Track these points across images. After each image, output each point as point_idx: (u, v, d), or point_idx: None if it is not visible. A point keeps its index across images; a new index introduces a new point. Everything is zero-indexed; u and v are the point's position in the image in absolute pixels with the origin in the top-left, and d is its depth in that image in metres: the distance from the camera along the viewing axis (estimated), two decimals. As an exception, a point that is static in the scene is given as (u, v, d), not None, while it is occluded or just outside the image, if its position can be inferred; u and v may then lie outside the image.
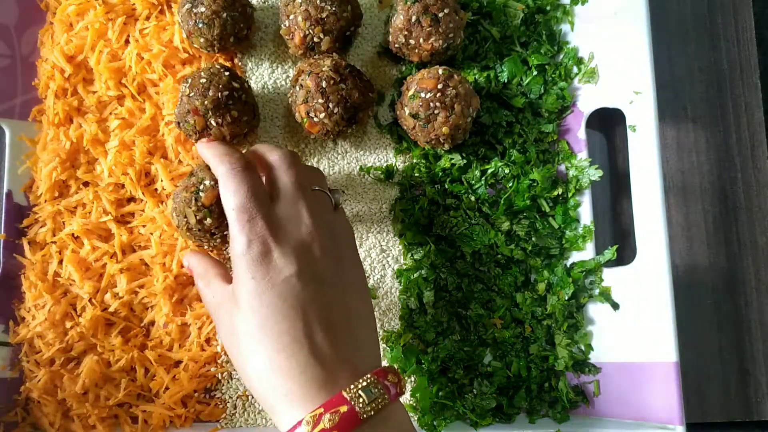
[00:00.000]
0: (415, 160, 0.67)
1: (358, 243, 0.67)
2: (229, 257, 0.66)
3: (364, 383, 0.45)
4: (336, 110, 0.60)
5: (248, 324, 0.47)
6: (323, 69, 0.60)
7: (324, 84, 0.60)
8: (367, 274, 0.66)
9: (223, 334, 0.51)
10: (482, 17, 0.70)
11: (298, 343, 0.46)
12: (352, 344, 0.48)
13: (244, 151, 0.57)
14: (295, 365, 0.45)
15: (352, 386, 0.44)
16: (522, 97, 0.68)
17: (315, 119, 0.61)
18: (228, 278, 0.53)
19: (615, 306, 0.64)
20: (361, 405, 0.43)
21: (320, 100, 0.60)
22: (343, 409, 0.43)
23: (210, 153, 0.55)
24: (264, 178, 0.54)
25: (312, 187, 0.53)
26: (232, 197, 0.50)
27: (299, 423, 0.43)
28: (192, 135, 0.62)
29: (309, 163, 0.68)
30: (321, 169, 0.65)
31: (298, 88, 0.62)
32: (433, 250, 0.65)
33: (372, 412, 0.43)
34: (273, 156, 0.53)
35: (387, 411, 0.45)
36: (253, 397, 0.64)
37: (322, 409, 0.43)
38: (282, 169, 0.52)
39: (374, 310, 0.65)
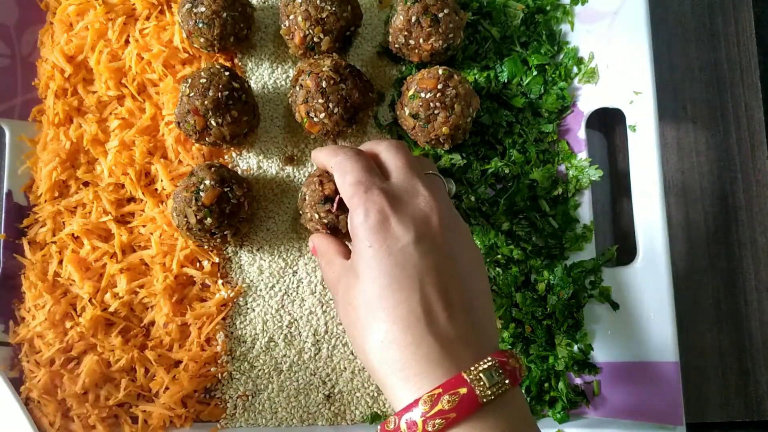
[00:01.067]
0: (415, 160, 0.68)
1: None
2: (230, 257, 0.66)
3: (485, 366, 0.42)
4: (336, 110, 0.60)
5: (365, 294, 0.46)
6: (323, 69, 0.60)
7: (324, 84, 0.60)
8: (367, 274, 0.66)
9: (340, 310, 0.49)
10: (482, 17, 0.70)
11: (415, 315, 0.44)
12: (471, 321, 0.46)
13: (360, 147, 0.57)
14: (411, 339, 0.43)
15: (472, 368, 0.42)
16: (522, 97, 0.68)
17: (315, 119, 0.61)
18: (349, 255, 0.52)
19: (615, 306, 0.64)
20: (481, 388, 0.41)
21: (320, 100, 0.60)
22: (463, 390, 0.41)
23: (323, 153, 0.55)
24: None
25: (425, 171, 0.53)
26: (349, 175, 0.50)
27: (416, 402, 0.41)
28: (192, 135, 0.62)
29: (309, 163, 0.68)
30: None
31: (298, 88, 0.62)
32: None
33: (492, 397, 0.41)
34: (383, 143, 0.54)
35: (507, 396, 0.42)
36: (253, 397, 0.64)
37: (440, 390, 0.41)
38: (391, 153, 0.52)
39: None
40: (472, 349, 0.44)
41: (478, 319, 0.47)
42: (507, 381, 0.42)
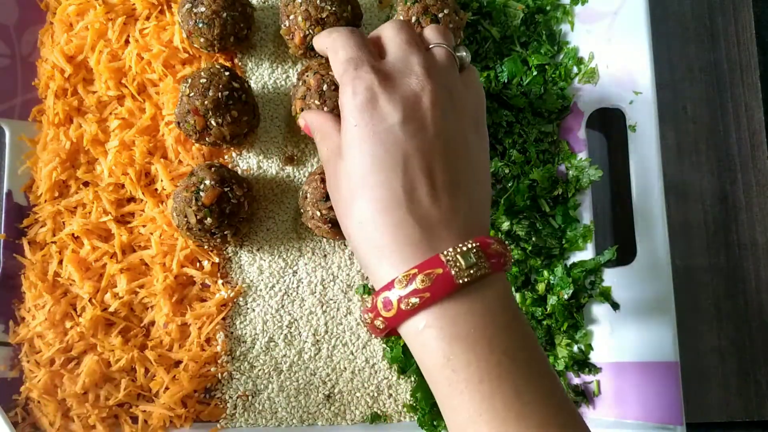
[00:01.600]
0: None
1: (358, 243, 0.67)
2: (230, 257, 0.66)
3: (465, 248, 0.41)
4: None
5: (349, 174, 0.45)
6: (329, 72, 0.61)
7: (324, 87, 0.60)
8: (367, 275, 0.66)
9: (330, 188, 0.48)
10: (482, 17, 0.70)
11: (396, 197, 0.43)
12: (457, 205, 0.44)
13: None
14: (390, 220, 0.42)
15: (450, 249, 0.41)
16: (522, 97, 0.68)
17: None
18: (338, 130, 0.49)
19: (615, 306, 0.64)
20: (457, 269, 0.40)
21: (316, 101, 0.60)
22: (438, 271, 0.40)
23: (321, 36, 0.52)
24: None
25: (428, 44, 0.49)
26: (340, 52, 0.47)
27: (392, 282, 0.41)
28: (192, 135, 0.62)
29: (309, 163, 0.68)
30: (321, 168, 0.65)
31: (300, 83, 0.62)
32: None
33: (467, 279, 0.40)
34: (385, 25, 0.50)
35: (486, 281, 0.41)
36: (253, 397, 0.64)
37: (416, 270, 0.40)
38: (393, 31, 0.49)
39: None
40: (454, 232, 0.43)
41: (465, 202, 0.45)
42: (486, 265, 0.41)
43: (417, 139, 0.44)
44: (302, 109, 0.62)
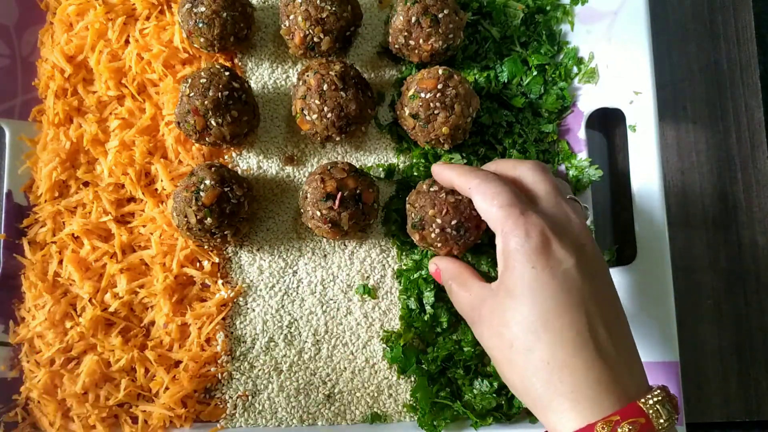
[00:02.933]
0: (414, 160, 0.67)
1: (358, 243, 0.67)
2: (230, 257, 0.66)
3: (658, 397, 0.44)
4: (329, 115, 0.61)
5: (526, 316, 0.46)
6: (330, 72, 0.61)
7: (325, 87, 0.60)
8: (366, 275, 0.66)
9: (486, 331, 0.49)
10: (482, 17, 0.70)
11: (583, 338, 0.45)
12: (632, 350, 0.47)
13: (486, 167, 0.56)
14: (581, 362, 0.44)
15: (646, 398, 0.44)
16: (522, 97, 0.68)
17: (307, 117, 0.62)
18: (482, 279, 0.53)
19: (615, 306, 0.64)
20: (657, 419, 0.43)
21: (316, 101, 0.60)
22: (642, 420, 0.43)
23: (454, 172, 0.54)
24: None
25: (566, 195, 0.53)
26: (497, 197, 0.49)
27: (591, 426, 0.42)
28: (192, 135, 0.62)
29: (309, 163, 0.68)
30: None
31: (301, 82, 0.62)
32: (431, 254, 0.65)
33: (666, 426, 0.43)
34: (522, 167, 0.53)
35: (673, 430, 0.45)
36: (253, 397, 0.64)
37: (618, 417, 0.42)
38: (538, 176, 0.52)
39: (372, 314, 0.65)
40: (635, 376, 0.46)
41: (634, 347, 0.48)
42: (675, 416, 0.44)
43: (591, 283, 0.47)
44: (302, 109, 0.62)
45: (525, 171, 0.52)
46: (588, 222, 0.66)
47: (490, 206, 0.49)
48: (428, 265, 0.61)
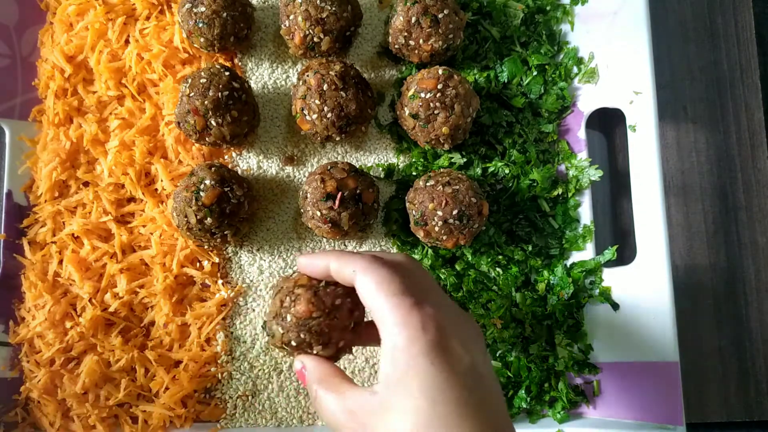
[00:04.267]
0: (414, 160, 0.67)
1: (358, 243, 0.67)
2: (230, 257, 0.66)
3: None
4: (329, 115, 0.61)
5: (424, 420, 0.41)
6: (330, 72, 0.61)
7: (325, 87, 0.60)
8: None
9: None
10: (482, 17, 0.70)
11: None
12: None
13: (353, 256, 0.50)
14: None
15: None
16: (522, 97, 0.68)
17: (307, 117, 0.62)
18: (353, 384, 0.46)
19: (615, 306, 0.64)
20: None
21: (316, 101, 0.60)
22: None
23: (331, 258, 0.47)
24: None
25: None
26: (387, 285, 0.44)
27: None
28: (192, 135, 0.62)
29: (309, 163, 0.68)
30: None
31: (301, 82, 0.62)
32: (430, 254, 0.65)
33: None
34: (399, 257, 0.49)
35: None
36: (253, 397, 0.64)
37: None
38: (416, 267, 0.48)
39: None
40: None
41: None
42: None
43: (486, 381, 0.43)
44: (302, 109, 0.62)
45: (403, 260, 0.48)
46: (588, 222, 0.66)
47: (377, 293, 0.44)
48: (294, 363, 0.54)
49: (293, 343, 0.48)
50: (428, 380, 0.41)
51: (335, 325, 0.48)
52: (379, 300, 0.44)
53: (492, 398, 0.43)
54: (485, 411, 0.42)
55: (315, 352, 0.48)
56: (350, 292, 0.49)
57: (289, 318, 0.48)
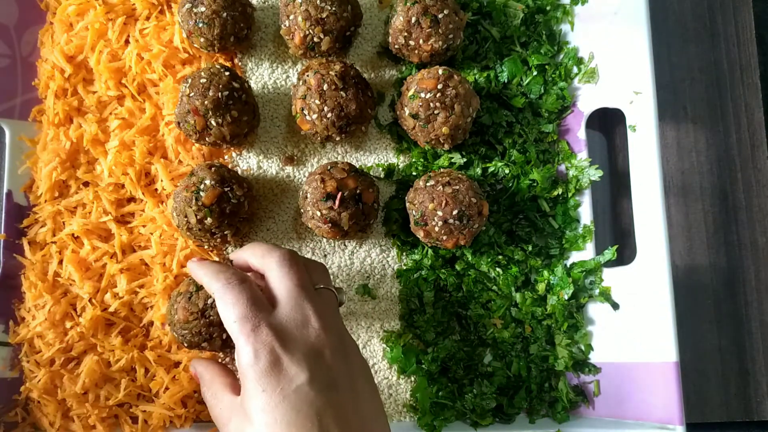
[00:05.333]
0: (414, 160, 0.67)
1: (358, 243, 0.67)
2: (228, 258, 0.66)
3: None
4: (329, 115, 0.61)
5: None
6: (330, 72, 0.61)
7: (325, 87, 0.60)
8: (366, 274, 0.66)
9: None
10: (482, 17, 0.70)
11: None
12: None
13: (239, 250, 0.55)
14: None
15: None
16: (522, 97, 0.68)
17: (307, 117, 0.62)
18: (237, 388, 0.51)
19: (615, 306, 0.64)
20: None
21: (316, 101, 0.60)
22: None
23: (202, 272, 0.52)
24: (264, 284, 0.51)
25: (315, 285, 0.51)
26: (232, 309, 0.47)
27: None
28: (192, 135, 0.62)
29: (309, 163, 0.68)
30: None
31: (301, 82, 0.62)
32: (430, 254, 0.65)
33: None
34: (270, 259, 0.51)
35: None
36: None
37: None
38: (282, 272, 0.49)
39: (372, 314, 0.65)
40: None
41: None
42: None
43: (324, 396, 0.45)
44: (302, 109, 0.62)
45: (271, 265, 0.50)
46: (588, 222, 0.66)
47: (228, 317, 0.47)
48: (189, 367, 0.59)
49: (185, 345, 0.57)
50: (262, 406, 0.44)
51: (212, 322, 0.56)
52: (228, 323, 0.47)
53: (331, 408, 0.44)
54: (316, 426, 0.43)
55: (203, 348, 0.57)
56: None
57: (176, 325, 0.56)
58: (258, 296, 0.48)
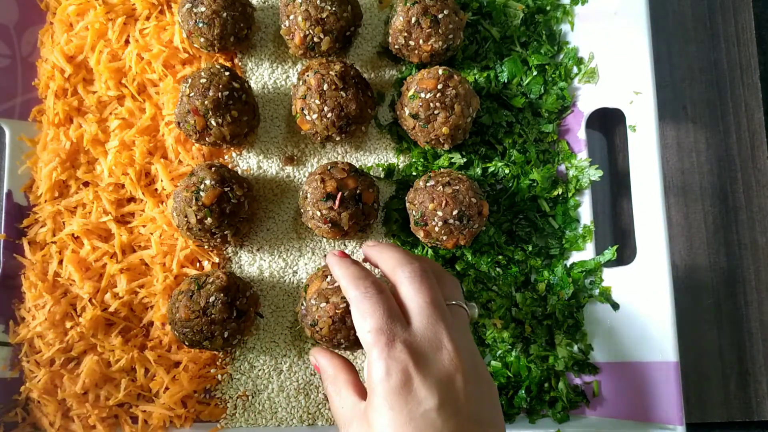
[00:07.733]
0: (414, 160, 0.67)
1: (358, 243, 0.67)
2: (230, 257, 0.66)
3: None
4: (329, 115, 0.61)
5: None
6: (330, 72, 0.61)
7: (325, 87, 0.60)
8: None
9: None
10: (482, 17, 0.70)
11: None
12: None
13: (372, 251, 0.53)
14: None
15: None
16: (522, 97, 0.68)
17: (307, 117, 0.62)
18: (359, 388, 0.50)
19: (615, 306, 0.64)
20: None
21: (317, 101, 0.60)
22: None
23: (341, 273, 0.51)
24: (395, 295, 0.50)
25: (447, 301, 0.50)
26: (369, 319, 0.46)
27: None
28: (192, 135, 0.62)
29: (309, 163, 0.68)
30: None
31: (301, 82, 0.62)
32: (431, 254, 0.65)
33: None
34: (401, 274, 0.49)
35: None
36: (253, 397, 0.64)
37: None
38: (413, 287, 0.48)
39: None
40: None
41: None
42: None
43: (452, 422, 0.44)
44: (302, 109, 0.62)
45: (402, 279, 0.49)
46: (588, 222, 0.66)
47: (362, 327, 0.47)
48: (309, 357, 0.59)
49: (186, 344, 0.58)
50: (385, 421, 0.44)
51: (214, 321, 0.57)
52: (362, 333, 0.47)
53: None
54: None
55: (204, 347, 0.58)
56: (227, 287, 0.58)
57: (178, 324, 0.58)
58: (394, 309, 0.47)
